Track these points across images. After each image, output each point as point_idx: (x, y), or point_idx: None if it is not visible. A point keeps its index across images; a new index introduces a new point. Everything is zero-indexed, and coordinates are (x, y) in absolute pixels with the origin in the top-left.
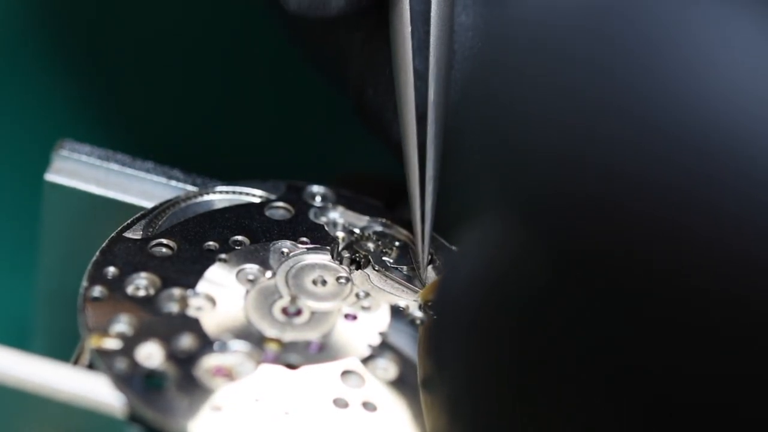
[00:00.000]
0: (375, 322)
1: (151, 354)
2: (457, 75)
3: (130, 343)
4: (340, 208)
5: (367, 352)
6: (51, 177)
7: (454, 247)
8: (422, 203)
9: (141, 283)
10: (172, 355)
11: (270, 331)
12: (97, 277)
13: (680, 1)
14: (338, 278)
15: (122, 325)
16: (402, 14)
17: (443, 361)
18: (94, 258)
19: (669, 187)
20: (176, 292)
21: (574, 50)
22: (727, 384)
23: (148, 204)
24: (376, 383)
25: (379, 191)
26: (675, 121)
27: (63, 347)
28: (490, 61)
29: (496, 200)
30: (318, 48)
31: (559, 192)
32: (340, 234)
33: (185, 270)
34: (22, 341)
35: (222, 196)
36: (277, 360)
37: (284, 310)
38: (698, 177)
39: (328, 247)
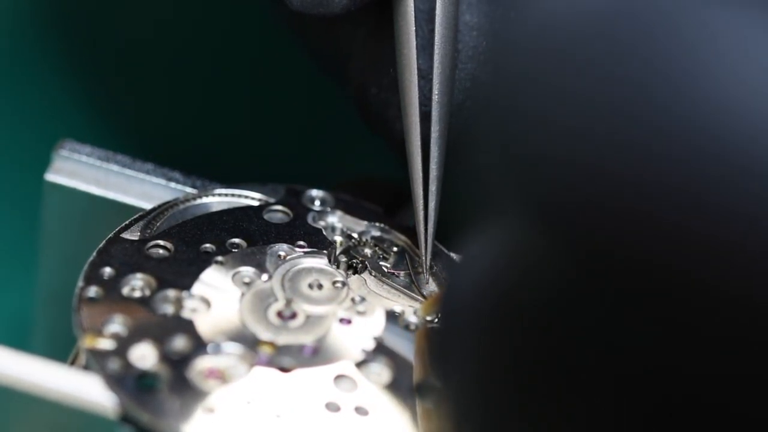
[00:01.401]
0: (370, 327)
1: (144, 355)
2: (461, 75)
3: (124, 344)
4: (339, 213)
5: (361, 357)
6: (51, 177)
7: (453, 254)
8: (425, 204)
9: (137, 284)
10: (166, 357)
11: (264, 334)
12: (93, 278)
13: (693, 4)
14: (334, 282)
15: (116, 325)
16: (406, 13)
17: (451, 365)
18: (91, 258)
19: (687, 191)
20: (171, 293)
21: (585, 51)
22: (730, 384)
23: (148, 205)
24: (369, 388)
25: (381, 196)
26: (690, 124)
27: (62, 347)
28: (501, 63)
29: (512, 204)
30: (320, 45)
31: (577, 196)
32: (338, 238)
33: (181, 272)
34: (22, 341)
35: (221, 199)
36: (270, 363)
37: (279, 314)
38: (715, 180)
39: (325, 251)
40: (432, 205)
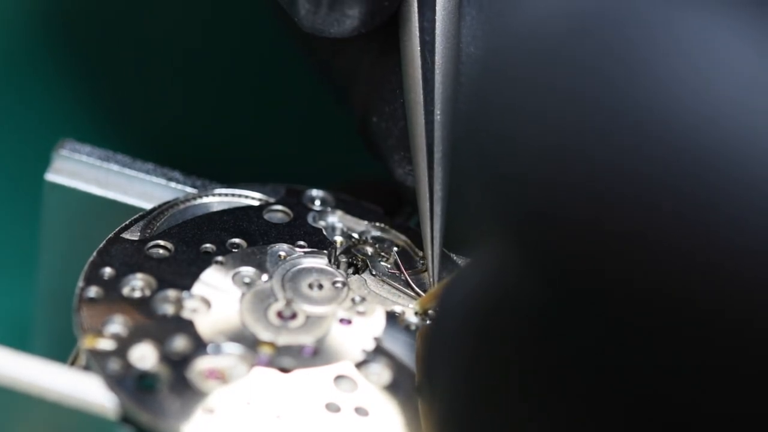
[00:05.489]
0: (370, 327)
1: (144, 355)
2: (462, 108)
3: (124, 344)
4: (339, 213)
5: (360, 357)
6: (51, 177)
7: (456, 258)
8: (431, 223)
9: (137, 285)
10: (166, 357)
11: (264, 335)
12: (93, 278)
13: (671, 15)
14: (334, 282)
15: (116, 326)
16: (412, 42)
17: (437, 379)
18: (91, 258)
19: (663, 209)
20: (171, 293)
21: (564, 80)
22: (707, 403)
23: (148, 205)
24: (369, 388)
25: (381, 196)
26: (666, 139)
27: (62, 347)
28: (483, 90)
29: (491, 225)
30: (326, 69)
31: (553, 215)
32: (338, 238)
33: (181, 272)
34: (22, 341)
35: (221, 199)
36: (270, 363)
37: (279, 314)
38: (693, 197)
39: (325, 251)
40: (437, 225)
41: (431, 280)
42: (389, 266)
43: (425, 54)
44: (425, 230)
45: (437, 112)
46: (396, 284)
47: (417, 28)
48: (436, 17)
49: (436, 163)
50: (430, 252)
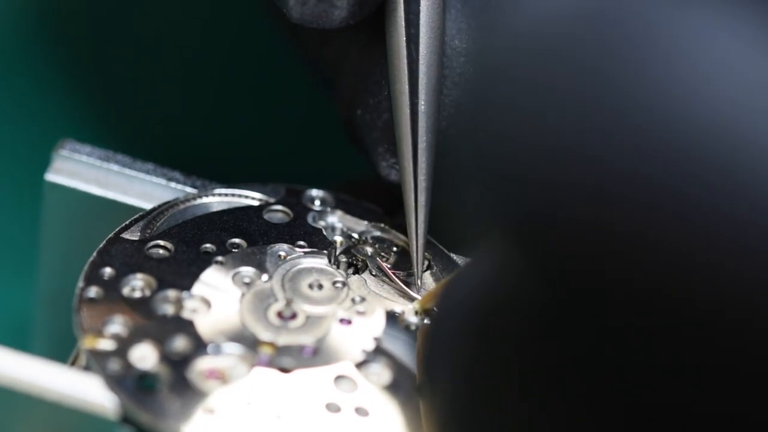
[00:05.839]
0: (370, 327)
1: (144, 355)
2: (445, 101)
3: (124, 344)
4: (339, 213)
5: (361, 357)
6: (51, 177)
7: (453, 255)
8: (416, 214)
9: (137, 285)
10: (166, 357)
11: (264, 335)
12: (93, 278)
13: (671, 15)
14: (334, 282)
15: (117, 326)
16: (397, 33)
17: (437, 379)
18: (91, 258)
19: (663, 209)
20: (171, 293)
21: (564, 80)
22: (707, 402)
23: (148, 205)
24: (369, 388)
25: (381, 196)
26: (666, 139)
27: (62, 347)
28: (483, 90)
29: (491, 225)
30: (315, 61)
31: (553, 215)
32: (338, 238)
33: (181, 272)
34: (22, 341)
35: (221, 199)
36: (270, 363)
37: (279, 314)
38: (693, 197)
39: (325, 251)
40: (422, 216)
41: (416, 270)
42: (389, 266)
43: (410, 45)
44: (410, 221)
45: (421, 102)
46: (396, 284)
47: (402, 20)
48: (421, 9)
49: (420, 153)
50: (414, 242)
